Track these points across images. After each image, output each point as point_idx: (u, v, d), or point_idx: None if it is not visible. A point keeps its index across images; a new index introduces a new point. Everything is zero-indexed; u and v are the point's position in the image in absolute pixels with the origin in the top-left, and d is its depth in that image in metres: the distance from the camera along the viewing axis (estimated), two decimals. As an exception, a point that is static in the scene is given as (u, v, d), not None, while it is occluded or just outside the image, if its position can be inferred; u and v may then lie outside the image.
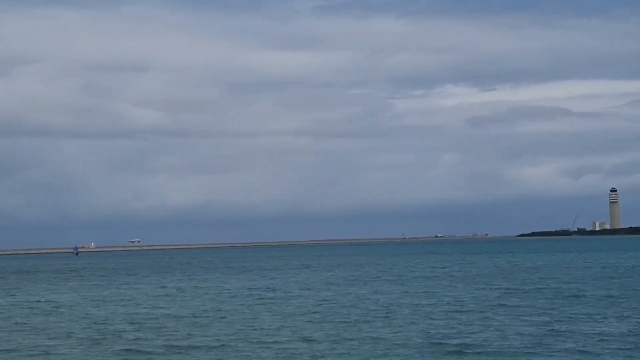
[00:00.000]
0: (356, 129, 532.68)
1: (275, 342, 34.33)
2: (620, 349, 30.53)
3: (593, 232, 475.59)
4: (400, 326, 38.23)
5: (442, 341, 33.20)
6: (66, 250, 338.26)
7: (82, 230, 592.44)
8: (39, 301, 61.05)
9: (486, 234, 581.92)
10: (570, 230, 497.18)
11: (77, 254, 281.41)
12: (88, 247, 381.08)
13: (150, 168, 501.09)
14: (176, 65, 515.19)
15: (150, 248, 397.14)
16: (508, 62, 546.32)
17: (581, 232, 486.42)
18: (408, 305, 48.11)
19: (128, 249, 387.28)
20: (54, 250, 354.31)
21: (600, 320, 39.10)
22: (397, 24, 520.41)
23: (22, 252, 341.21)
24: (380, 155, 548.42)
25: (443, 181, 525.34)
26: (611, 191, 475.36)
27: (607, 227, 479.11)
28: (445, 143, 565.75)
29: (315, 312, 45.65)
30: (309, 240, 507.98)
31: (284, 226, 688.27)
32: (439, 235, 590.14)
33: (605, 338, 33.10)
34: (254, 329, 38.66)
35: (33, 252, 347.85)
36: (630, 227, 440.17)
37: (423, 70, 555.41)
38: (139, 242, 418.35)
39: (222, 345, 33.80)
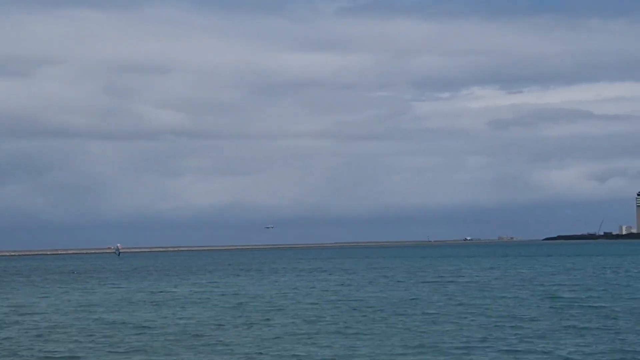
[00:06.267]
0: (380, 131, 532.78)
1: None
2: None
3: (619, 236, 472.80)
4: (367, 339, 38.36)
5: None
6: (99, 251, 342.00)
7: (108, 231, 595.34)
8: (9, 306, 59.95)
9: (512, 238, 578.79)
10: (597, 234, 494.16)
11: (119, 254, 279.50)
12: (110, 248, 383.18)
13: (174, 169, 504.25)
14: (199, 66, 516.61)
15: (176, 249, 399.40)
16: (535, 65, 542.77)
17: (607, 236, 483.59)
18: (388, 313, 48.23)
19: (160, 249, 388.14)
20: (81, 251, 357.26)
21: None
22: (420, 25, 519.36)
23: (49, 253, 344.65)
24: (404, 158, 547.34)
25: (469, 184, 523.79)
26: (638, 195, 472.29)
27: (634, 231, 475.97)
28: (471, 146, 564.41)
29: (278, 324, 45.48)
30: (334, 243, 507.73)
31: (308, 228, 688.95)
32: (468, 238, 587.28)
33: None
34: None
35: (60, 252, 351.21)
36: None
37: (448, 73, 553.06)
38: (272, 227, 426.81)
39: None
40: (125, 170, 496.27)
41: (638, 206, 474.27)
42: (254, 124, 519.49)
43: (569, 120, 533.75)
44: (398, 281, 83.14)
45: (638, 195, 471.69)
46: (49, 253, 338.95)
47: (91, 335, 40.49)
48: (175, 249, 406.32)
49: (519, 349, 33.38)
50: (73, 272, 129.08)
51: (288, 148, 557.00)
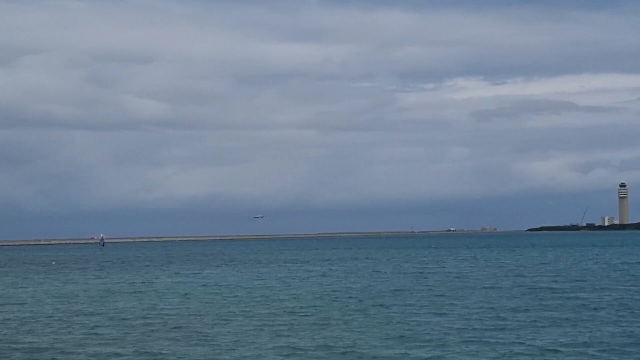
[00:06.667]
0: (363, 122, 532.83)
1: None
2: None
3: (602, 227, 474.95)
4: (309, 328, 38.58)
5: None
6: (82, 241, 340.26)
7: (91, 221, 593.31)
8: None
9: (495, 229, 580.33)
10: (580, 225, 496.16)
11: (103, 244, 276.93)
12: (94, 238, 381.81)
13: (157, 160, 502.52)
14: (182, 56, 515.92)
15: (160, 240, 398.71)
16: (518, 56, 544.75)
17: (590, 227, 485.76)
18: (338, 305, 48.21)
19: (144, 240, 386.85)
20: (64, 241, 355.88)
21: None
22: (404, 16, 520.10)
23: (31, 243, 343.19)
24: (388, 149, 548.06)
25: (452, 175, 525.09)
26: (620, 186, 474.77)
27: (616, 222, 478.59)
28: (455, 137, 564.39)
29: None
30: (317, 233, 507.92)
31: (291, 219, 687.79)
32: (451, 229, 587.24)
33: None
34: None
35: (42, 242, 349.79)
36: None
37: (432, 64, 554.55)
38: (262, 217, 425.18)
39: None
40: (108, 160, 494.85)
41: (620, 197, 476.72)
42: (238, 114, 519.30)
43: (552, 111, 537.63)
44: (380, 272, 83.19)
45: (620, 186, 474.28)
46: (31, 243, 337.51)
47: (70, 326, 40.26)
48: (159, 239, 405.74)
49: (499, 339, 33.34)
50: (53, 262, 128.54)
51: (271, 138, 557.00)
